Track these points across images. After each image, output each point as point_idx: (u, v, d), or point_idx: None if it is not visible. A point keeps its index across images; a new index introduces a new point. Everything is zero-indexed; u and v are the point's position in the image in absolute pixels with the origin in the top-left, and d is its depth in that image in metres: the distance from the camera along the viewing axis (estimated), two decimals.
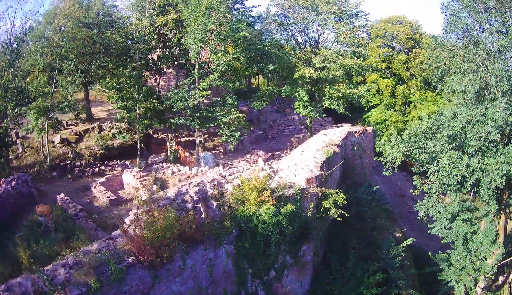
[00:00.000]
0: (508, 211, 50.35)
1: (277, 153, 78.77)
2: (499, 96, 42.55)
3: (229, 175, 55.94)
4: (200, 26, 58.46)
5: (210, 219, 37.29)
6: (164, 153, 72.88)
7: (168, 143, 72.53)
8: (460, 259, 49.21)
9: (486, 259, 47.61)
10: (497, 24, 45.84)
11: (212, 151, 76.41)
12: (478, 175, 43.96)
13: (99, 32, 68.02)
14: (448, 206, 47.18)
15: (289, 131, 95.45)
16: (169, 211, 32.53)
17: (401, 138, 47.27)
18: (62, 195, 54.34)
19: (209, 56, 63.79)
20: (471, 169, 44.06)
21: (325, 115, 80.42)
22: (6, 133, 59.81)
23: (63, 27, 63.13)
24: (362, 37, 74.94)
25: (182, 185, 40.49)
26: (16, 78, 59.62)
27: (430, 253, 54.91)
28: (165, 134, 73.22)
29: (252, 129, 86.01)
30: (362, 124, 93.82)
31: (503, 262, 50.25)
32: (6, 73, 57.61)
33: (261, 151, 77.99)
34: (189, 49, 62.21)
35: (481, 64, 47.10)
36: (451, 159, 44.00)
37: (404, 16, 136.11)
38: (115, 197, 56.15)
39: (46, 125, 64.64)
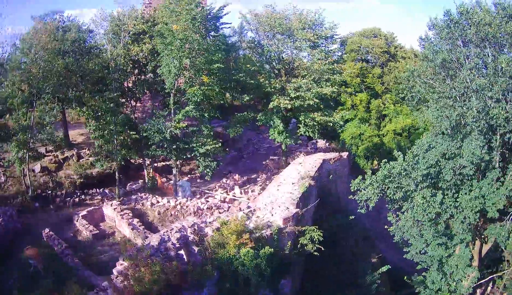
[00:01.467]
0: (483, 237, 51.34)
1: (253, 176, 79.26)
2: (476, 133, 43.32)
3: (207, 208, 57.23)
4: (175, 59, 59.19)
5: (192, 264, 37.98)
6: (141, 180, 73.28)
7: (145, 170, 72.88)
8: (436, 281, 49.94)
9: (462, 281, 48.46)
10: (476, 59, 46.16)
11: (189, 176, 76.98)
12: (451, 212, 45.13)
13: (75, 60, 67.66)
14: (424, 232, 47.59)
15: (264, 150, 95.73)
16: (154, 265, 33.28)
17: (376, 178, 47.42)
18: (47, 230, 54.87)
19: (183, 87, 64.07)
20: (444, 206, 45.04)
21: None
22: None
23: (40, 59, 62.62)
24: (337, 64, 74.96)
25: (164, 232, 41.33)
26: None
27: (406, 276, 55.90)
28: (142, 160, 73.36)
29: (227, 149, 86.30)
30: (337, 142, 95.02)
31: (478, 282, 50.99)
32: None
33: (237, 175, 78.48)
34: (165, 79, 62.94)
35: (458, 98, 47.83)
36: (426, 198, 44.64)
37: (379, 28, 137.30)
38: (98, 231, 56.75)
39: (27, 157, 64.82)
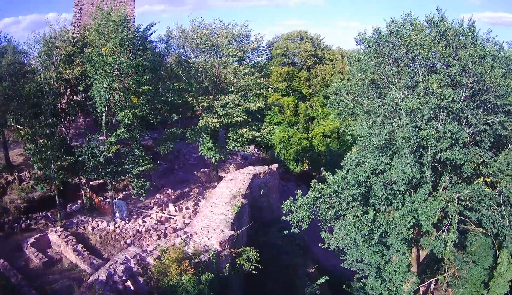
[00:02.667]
0: (419, 244, 52.67)
1: (185, 190, 79.75)
2: (406, 152, 43.63)
3: (146, 231, 59.08)
4: (105, 84, 59.58)
5: (139, 294, 39.70)
6: (80, 201, 73.15)
7: (82, 191, 72.73)
8: (375, 287, 50.84)
9: (402, 286, 49.44)
10: (406, 78, 46.55)
11: (124, 192, 77.16)
12: (385, 228, 45.84)
13: (12, 84, 67.37)
14: (359, 244, 47.91)
15: (195, 160, 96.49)
16: None
17: (306, 200, 47.41)
18: (1, 261, 55.24)
19: (114, 110, 64.44)
20: (377, 223, 45.76)
21: None
22: None
23: None
24: (264, 78, 75.52)
25: (110, 265, 42.33)
26: None
27: (344, 285, 56.69)
28: (78, 179, 72.20)
29: (159, 162, 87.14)
30: (266, 152, 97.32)
31: (418, 286, 53.30)
32: None
33: (170, 190, 79.01)
34: (96, 102, 62.90)
35: (387, 115, 48.98)
36: (358, 216, 45.28)
37: (305, 31, 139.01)
38: (47, 258, 57.22)
39: None
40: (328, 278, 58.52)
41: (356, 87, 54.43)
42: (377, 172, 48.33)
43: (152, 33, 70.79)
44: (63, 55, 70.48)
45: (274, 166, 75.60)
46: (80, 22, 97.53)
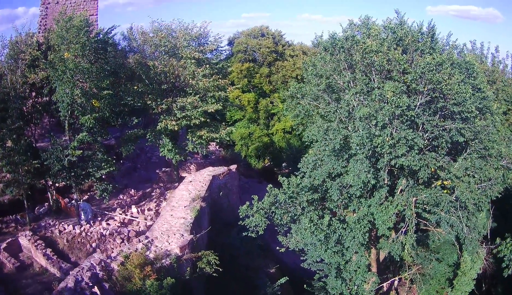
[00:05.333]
0: (377, 246, 53.26)
1: (148, 190, 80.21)
2: (362, 157, 43.80)
3: (110, 234, 60.58)
4: (67, 90, 60.11)
5: None
6: (47, 203, 73.42)
7: (49, 193, 73.05)
8: (336, 287, 51.51)
9: (363, 285, 50.25)
10: (361, 84, 46.14)
11: (88, 194, 77.37)
12: (340, 233, 46.70)
13: None
14: (316, 244, 48.64)
15: (157, 158, 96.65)
16: None
17: (262, 205, 48.62)
18: None
19: (76, 113, 64.53)
20: (333, 228, 46.47)
21: None
22: None
23: None
24: (222, 79, 75.86)
25: (77, 272, 43.25)
26: None
27: (305, 285, 57.25)
28: (44, 182, 72.38)
29: (121, 161, 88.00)
30: (226, 151, 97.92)
31: (382, 284, 54.44)
32: None
33: (133, 190, 79.68)
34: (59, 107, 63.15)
35: (342, 120, 49.06)
36: (313, 221, 46.10)
37: (266, 27, 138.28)
38: (19, 263, 57.71)
39: None
40: (288, 278, 59.67)
41: (311, 91, 54.70)
42: (333, 175, 48.72)
43: (114, 35, 71.70)
44: (28, 60, 70.31)
45: (233, 167, 77.20)
46: (46, 22, 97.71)
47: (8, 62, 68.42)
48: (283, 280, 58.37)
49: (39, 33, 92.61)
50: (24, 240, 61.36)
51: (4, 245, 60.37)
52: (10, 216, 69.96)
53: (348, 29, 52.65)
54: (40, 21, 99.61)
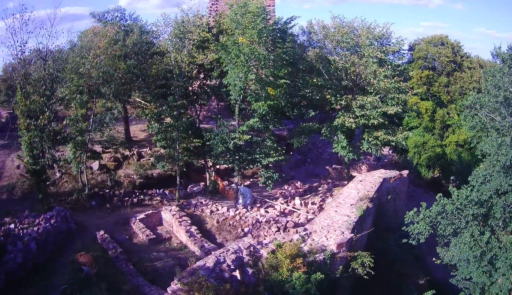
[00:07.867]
0: None
1: (315, 184, 79.88)
2: None
3: (266, 222, 58.22)
4: (240, 73, 59.13)
5: (246, 285, 39.34)
6: (203, 183, 73.68)
7: (207, 173, 73.12)
8: None
9: None
10: None
11: (251, 180, 77.03)
12: (496, 252, 44.29)
13: (138, 62, 69.12)
14: (470, 260, 46.46)
15: (328, 155, 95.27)
16: (208, 290, 34.50)
17: (429, 213, 46.81)
18: (102, 232, 55.68)
19: (249, 99, 64.14)
20: (490, 246, 44.31)
21: None
22: (44, 170, 59.72)
23: (99, 64, 62.18)
24: (404, 82, 71.10)
25: (221, 253, 42.26)
26: (51, 123, 59.19)
27: None
28: (204, 162, 73.09)
29: (292, 153, 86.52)
30: (399, 156, 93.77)
31: None
32: (42, 116, 56.99)
33: (299, 182, 78.41)
34: (230, 90, 62.59)
35: None
36: (474, 236, 44.37)
37: (446, 36, 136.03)
38: (154, 236, 57.52)
39: (84, 158, 66.13)
40: (434, 292, 55.04)
41: (489, 102, 52.58)
42: (499, 192, 46.34)
43: (292, 26, 70.30)
44: (196, 40, 69.62)
45: (405, 172, 73.70)
46: (217, 7, 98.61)
47: (173, 40, 67.89)
48: (430, 293, 53.94)
49: (209, 16, 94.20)
50: (167, 214, 61.54)
51: (141, 216, 61.18)
52: (157, 190, 70.50)
53: None
54: (211, 7, 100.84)
